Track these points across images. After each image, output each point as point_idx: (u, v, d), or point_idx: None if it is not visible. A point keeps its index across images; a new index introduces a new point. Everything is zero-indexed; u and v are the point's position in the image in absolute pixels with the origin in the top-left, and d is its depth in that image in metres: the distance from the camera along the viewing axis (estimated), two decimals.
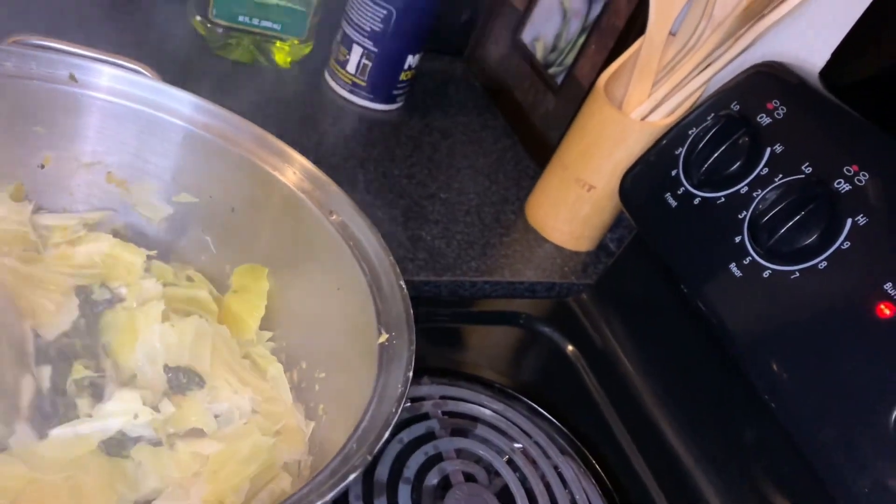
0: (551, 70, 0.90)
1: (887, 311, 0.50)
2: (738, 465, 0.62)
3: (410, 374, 0.39)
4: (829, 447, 0.51)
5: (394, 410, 0.36)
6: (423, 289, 0.71)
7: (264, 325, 0.53)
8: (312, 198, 0.49)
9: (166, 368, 0.46)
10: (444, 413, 0.61)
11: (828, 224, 0.54)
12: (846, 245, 0.53)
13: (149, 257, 0.53)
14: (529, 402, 0.66)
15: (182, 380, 0.46)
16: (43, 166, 0.53)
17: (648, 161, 0.69)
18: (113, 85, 0.50)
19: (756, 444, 0.62)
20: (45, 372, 0.45)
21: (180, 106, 0.51)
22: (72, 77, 0.50)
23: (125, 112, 0.51)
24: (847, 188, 0.54)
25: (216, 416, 0.45)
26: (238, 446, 0.43)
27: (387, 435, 0.35)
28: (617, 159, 0.73)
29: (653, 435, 0.67)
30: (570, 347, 0.74)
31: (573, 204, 0.78)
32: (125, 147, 0.52)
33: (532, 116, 0.93)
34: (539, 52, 0.93)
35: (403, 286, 0.45)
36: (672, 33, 0.71)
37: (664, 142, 0.68)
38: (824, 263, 0.54)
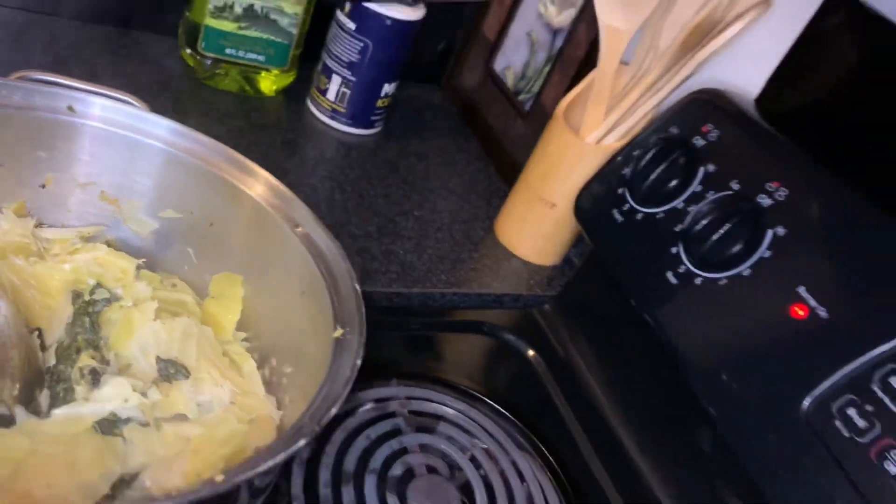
0: (521, 97, 0.96)
1: (801, 313, 0.54)
2: (686, 463, 0.65)
3: (359, 360, 0.45)
4: (750, 436, 0.55)
5: (342, 391, 0.42)
6: (394, 300, 0.75)
7: (239, 326, 0.59)
8: (280, 212, 0.56)
9: (158, 360, 0.53)
10: (409, 412, 0.63)
11: (751, 235, 0.58)
12: (767, 254, 0.57)
13: (138, 266, 0.59)
14: (493, 404, 0.69)
15: (171, 371, 0.52)
16: (44, 186, 0.59)
17: (599, 180, 0.74)
18: (104, 114, 0.57)
19: (698, 443, 0.65)
20: (49, 357, 0.52)
21: (162, 132, 0.58)
22: (70, 108, 0.57)
23: (115, 138, 0.57)
24: (769, 202, 0.59)
25: (199, 405, 0.52)
26: (216, 431, 0.49)
27: (334, 410, 0.40)
28: (575, 179, 0.78)
29: (608, 436, 0.70)
30: (532, 354, 0.77)
31: (537, 221, 0.83)
32: (116, 169, 0.59)
33: (503, 140, 0.99)
34: (509, 80, 0.98)
35: (358, 288, 0.51)
36: (626, 63, 0.77)
37: (613, 163, 0.73)
38: (748, 271, 0.58)
